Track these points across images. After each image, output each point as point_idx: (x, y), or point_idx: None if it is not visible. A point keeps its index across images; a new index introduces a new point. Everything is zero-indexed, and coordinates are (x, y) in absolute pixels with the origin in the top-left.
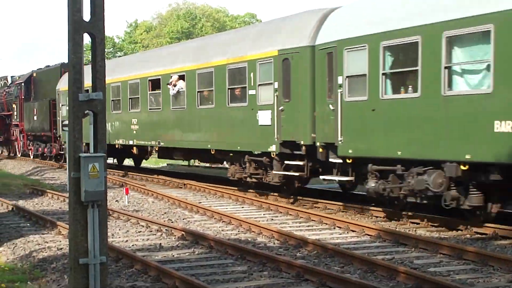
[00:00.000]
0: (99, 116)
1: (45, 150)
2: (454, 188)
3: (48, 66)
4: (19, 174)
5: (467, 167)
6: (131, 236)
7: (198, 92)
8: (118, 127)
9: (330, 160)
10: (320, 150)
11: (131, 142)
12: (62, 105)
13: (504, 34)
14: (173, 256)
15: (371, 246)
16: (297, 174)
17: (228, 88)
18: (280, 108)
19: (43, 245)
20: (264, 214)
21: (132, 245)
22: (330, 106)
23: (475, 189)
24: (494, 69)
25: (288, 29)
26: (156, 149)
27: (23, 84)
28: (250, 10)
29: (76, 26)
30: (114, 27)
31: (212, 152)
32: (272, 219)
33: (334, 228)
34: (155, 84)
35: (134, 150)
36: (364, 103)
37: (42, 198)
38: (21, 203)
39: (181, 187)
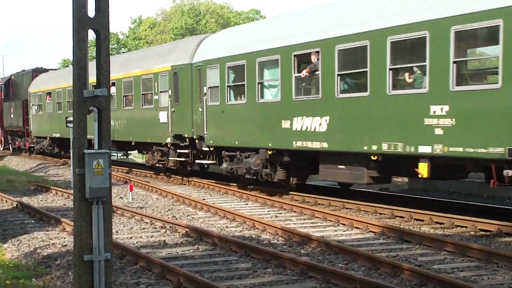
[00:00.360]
0: (103, 112)
1: (20, 143)
2: (267, 167)
3: (24, 70)
4: (23, 170)
5: (271, 152)
6: (135, 233)
7: (123, 96)
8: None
9: (203, 148)
10: (197, 141)
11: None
12: (32, 105)
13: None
14: (177, 253)
15: (375, 243)
16: (184, 159)
17: (142, 94)
18: (172, 110)
19: (47, 242)
20: (268, 211)
21: (136, 242)
22: (200, 108)
23: (280, 168)
24: None
25: (178, 50)
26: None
27: (3, 86)
28: (254, 6)
29: (80, 22)
30: (118, 23)
31: (133, 144)
32: (276, 216)
33: (338, 225)
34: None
35: None
36: (217, 106)
37: (46, 194)
38: (25, 199)
39: (185, 184)
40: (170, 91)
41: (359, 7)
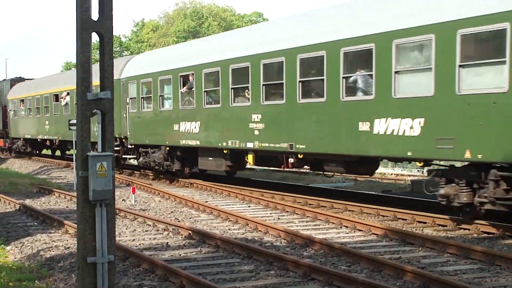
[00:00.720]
0: (107, 115)
1: (1, 144)
2: (168, 159)
3: (4, 79)
4: (26, 173)
5: (168, 148)
6: (138, 235)
7: (75, 104)
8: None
9: (128, 146)
10: (124, 140)
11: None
12: (9, 110)
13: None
14: (180, 255)
15: (378, 245)
16: (115, 154)
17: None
18: None
19: (50, 244)
20: (270, 213)
21: (139, 244)
22: (124, 115)
23: (178, 160)
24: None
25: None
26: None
27: None
28: (257, 9)
29: (84, 25)
30: (121, 26)
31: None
32: (278, 218)
33: (341, 227)
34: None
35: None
36: (135, 113)
37: (49, 197)
38: (28, 202)
39: (188, 186)
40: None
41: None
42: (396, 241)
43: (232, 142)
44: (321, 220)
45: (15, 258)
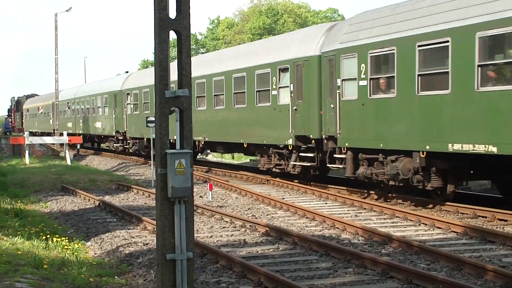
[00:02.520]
0: (185, 113)
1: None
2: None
3: (24, 95)
4: (105, 170)
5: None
6: (215, 231)
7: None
8: None
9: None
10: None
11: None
12: (25, 115)
13: None
14: (257, 252)
15: (458, 243)
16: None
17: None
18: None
19: (129, 240)
20: (348, 210)
21: (217, 241)
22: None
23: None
24: None
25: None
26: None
27: (15, 103)
28: (332, 5)
29: (162, 24)
30: (197, 24)
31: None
32: (356, 215)
33: (419, 224)
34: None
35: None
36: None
37: (127, 193)
38: (107, 198)
39: (264, 183)
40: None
41: None
42: (476, 239)
43: None
44: (399, 217)
45: (95, 253)
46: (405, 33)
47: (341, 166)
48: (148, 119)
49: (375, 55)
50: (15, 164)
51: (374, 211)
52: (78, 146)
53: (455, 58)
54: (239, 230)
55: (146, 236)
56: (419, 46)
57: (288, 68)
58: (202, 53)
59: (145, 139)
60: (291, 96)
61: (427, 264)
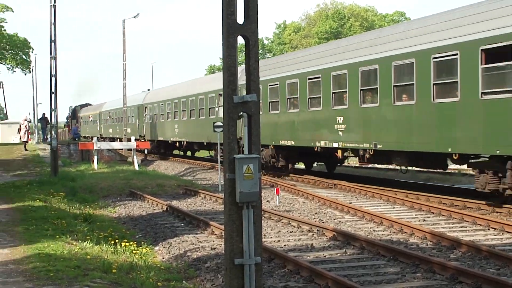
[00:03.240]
0: (253, 118)
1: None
2: None
3: (79, 105)
4: (172, 174)
5: None
6: (282, 236)
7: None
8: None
9: None
10: None
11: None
12: (80, 123)
13: None
14: (324, 256)
15: None
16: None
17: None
18: None
19: (197, 245)
20: (415, 215)
21: (284, 245)
22: None
23: None
24: None
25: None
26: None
27: (73, 110)
28: (399, 8)
29: (230, 29)
30: (263, 29)
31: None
32: (424, 220)
33: (488, 229)
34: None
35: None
36: None
37: (195, 198)
38: (175, 203)
39: (331, 187)
40: None
41: None
42: None
43: None
44: (467, 221)
45: (163, 258)
46: None
47: None
48: (215, 124)
49: None
50: (83, 170)
51: (442, 215)
52: (146, 152)
53: None
54: (306, 235)
55: (213, 241)
56: None
57: None
58: (269, 58)
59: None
60: None
61: (497, 269)
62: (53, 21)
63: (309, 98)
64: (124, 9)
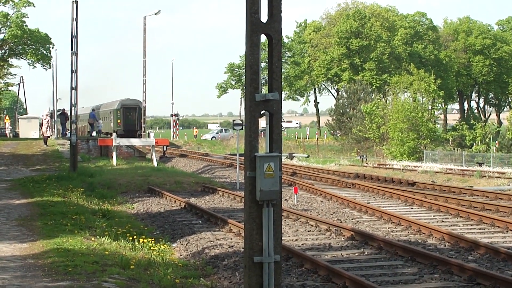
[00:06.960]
0: (275, 116)
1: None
2: None
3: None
4: (190, 172)
5: None
6: (300, 235)
7: None
8: None
9: None
10: None
11: None
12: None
13: None
14: (342, 256)
15: None
16: None
17: None
18: None
19: (214, 242)
20: (434, 216)
21: (302, 244)
22: None
23: None
24: None
25: None
26: None
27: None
28: (420, 8)
29: (253, 27)
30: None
31: None
32: (442, 221)
33: (507, 231)
34: None
35: None
36: None
37: (213, 195)
38: (193, 200)
39: (350, 187)
40: None
41: None
42: None
43: None
44: (486, 223)
45: (180, 255)
46: None
47: None
48: (234, 122)
49: None
50: (102, 165)
51: (461, 217)
52: (165, 148)
53: None
54: (324, 234)
55: (231, 239)
56: None
57: None
58: (289, 56)
59: None
60: None
61: None
62: (74, 16)
63: None
64: (143, 8)
